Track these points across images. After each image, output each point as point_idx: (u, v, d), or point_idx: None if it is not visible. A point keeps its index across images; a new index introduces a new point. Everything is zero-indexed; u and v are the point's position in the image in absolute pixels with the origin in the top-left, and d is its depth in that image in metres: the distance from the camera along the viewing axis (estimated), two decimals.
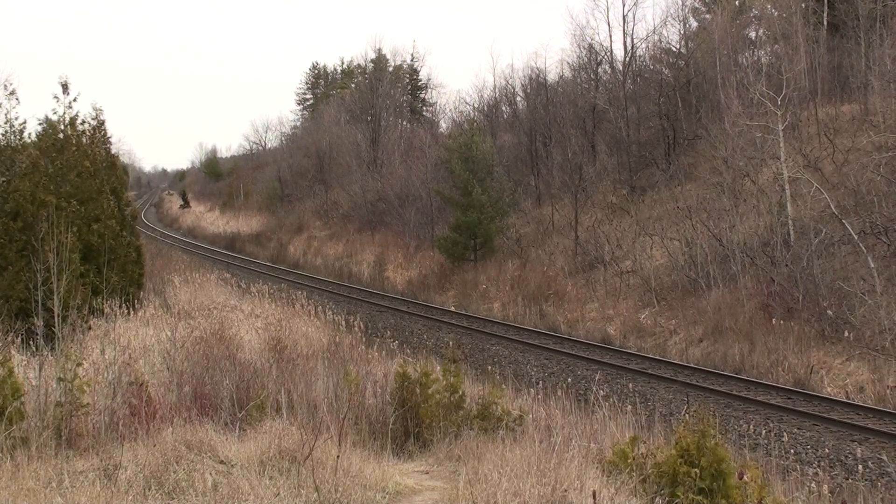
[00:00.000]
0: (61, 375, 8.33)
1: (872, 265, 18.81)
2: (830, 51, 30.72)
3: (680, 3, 43.12)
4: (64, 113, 17.31)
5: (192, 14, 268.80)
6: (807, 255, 20.03)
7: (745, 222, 23.79)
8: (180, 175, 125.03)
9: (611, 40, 67.99)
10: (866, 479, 11.33)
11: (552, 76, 43.75)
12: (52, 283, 9.02)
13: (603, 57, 39.33)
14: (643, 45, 37.53)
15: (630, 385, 16.53)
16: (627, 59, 36.96)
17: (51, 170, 16.27)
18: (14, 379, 8.15)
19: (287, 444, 7.52)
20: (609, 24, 68.15)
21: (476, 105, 49.76)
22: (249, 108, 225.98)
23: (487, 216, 30.06)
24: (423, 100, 62.27)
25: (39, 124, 18.30)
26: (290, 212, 53.87)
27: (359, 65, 72.77)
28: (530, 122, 39.44)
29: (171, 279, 22.99)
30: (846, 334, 17.07)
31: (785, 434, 13.18)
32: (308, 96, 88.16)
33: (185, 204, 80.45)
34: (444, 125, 54.79)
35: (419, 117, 58.29)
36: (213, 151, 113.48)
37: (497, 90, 49.01)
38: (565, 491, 6.54)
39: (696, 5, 38.79)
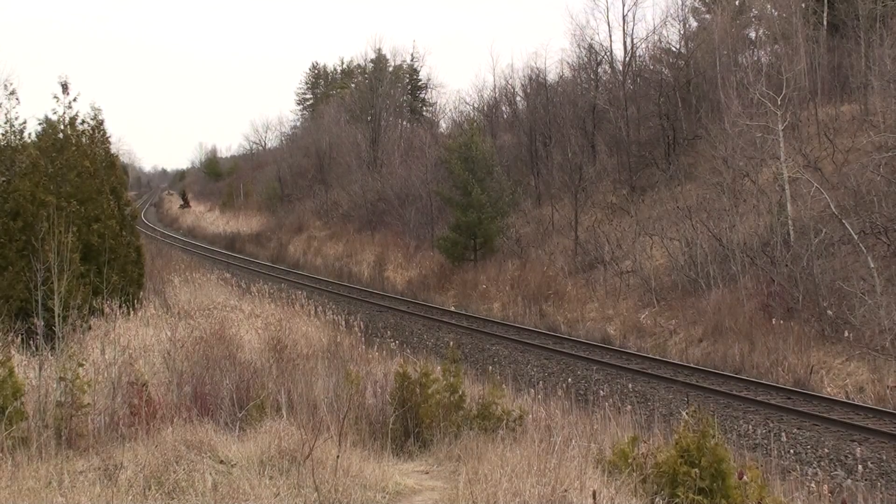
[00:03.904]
0: (62, 375, 8.33)
1: (872, 265, 18.81)
2: (830, 51, 30.72)
3: (680, 3, 43.14)
4: (64, 113, 17.28)
5: (193, 14, 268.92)
6: (807, 255, 20.03)
7: (745, 222, 23.79)
8: (180, 175, 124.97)
9: (611, 40, 68.09)
10: (866, 479, 11.33)
11: (552, 76, 43.83)
12: (52, 283, 9.02)
13: (603, 57, 39.37)
14: (643, 45, 37.60)
15: (630, 385, 16.54)
16: (627, 59, 37.01)
17: (51, 170, 16.25)
18: (14, 379, 8.16)
19: (287, 444, 7.52)
20: (609, 24, 68.27)
21: (476, 105, 49.82)
22: (249, 108, 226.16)
23: (487, 216, 30.06)
24: (423, 100, 62.27)
25: (39, 124, 18.28)
26: (290, 212, 53.86)
27: (359, 65, 72.84)
28: (530, 122, 39.43)
29: (171, 279, 22.99)
30: (846, 334, 17.07)
31: (785, 434, 13.19)
32: (308, 96, 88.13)
33: (185, 204, 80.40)
34: (444, 125, 54.88)
35: (419, 117, 58.28)
36: (213, 151, 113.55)
37: (497, 90, 49.09)
38: (565, 491, 6.54)
39: (696, 5, 38.80)
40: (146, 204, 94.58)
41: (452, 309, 25.86)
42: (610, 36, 70.53)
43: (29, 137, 17.04)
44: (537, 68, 44.88)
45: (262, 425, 8.36)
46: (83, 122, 17.78)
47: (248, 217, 58.70)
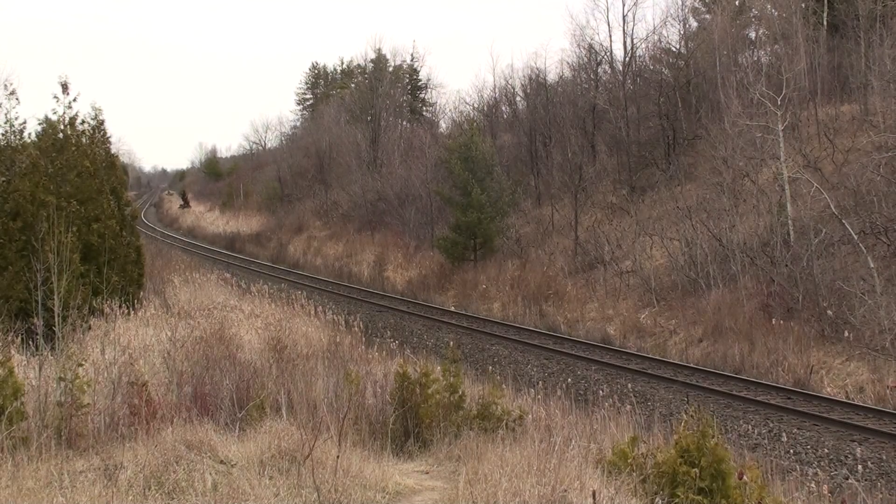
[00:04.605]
0: (61, 375, 8.33)
1: (872, 265, 18.81)
2: (830, 51, 30.72)
3: (680, 3, 43.18)
4: (64, 113, 17.28)
5: (192, 14, 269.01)
6: (807, 255, 20.03)
7: (745, 222, 23.79)
8: (180, 175, 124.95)
9: (611, 40, 68.03)
10: (866, 479, 11.33)
11: (552, 76, 43.82)
12: (52, 283, 9.01)
13: (603, 57, 39.37)
14: (643, 46, 37.60)
15: (630, 385, 16.54)
16: (627, 59, 37.01)
17: (51, 170, 16.25)
18: (14, 379, 8.15)
19: (287, 444, 7.52)
20: (609, 24, 68.27)
21: (476, 105, 49.82)
22: (249, 108, 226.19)
23: (487, 216, 30.06)
24: (423, 100, 62.24)
25: (39, 124, 18.26)
26: (290, 212, 53.85)
27: (359, 65, 72.81)
28: (530, 122, 39.44)
29: (171, 279, 22.99)
30: (846, 334, 17.07)
31: (785, 434, 13.19)
32: (308, 96, 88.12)
33: (185, 204, 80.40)
34: (444, 125, 54.85)
35: (419, 117, 58.26)
36: (213, 151, 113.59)
37: (497, 90, 49.08)
38: (565, 491, 6.54)
39: (696, 5, 38.82)
40: (146, 204, 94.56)
41: (452, 309, 25.86)
42: (610, 36, 70.54)
43: (29, 137, 17.05)
44: (537, 68, 44.89)
45: (261, 425, 8.36)
46: (83, 122, 17.79)
47: (248, 217, 58.70)
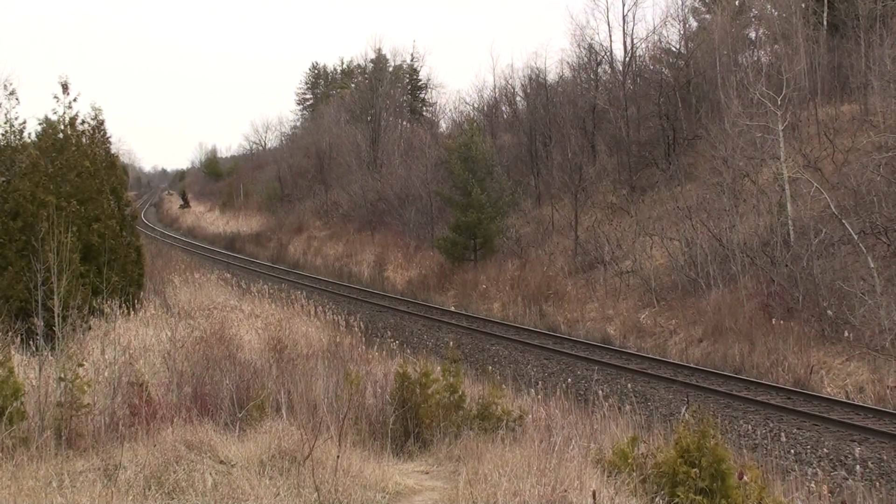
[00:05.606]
0: (61, 375, 8.33)
1: (872, 265, 18.81)
2: (830, 51, 30.72)
3: (680, 3, 43.22)
4: (64, 113, 17.30)
5: (192, 14, 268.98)
6: (807, 255, 20.03)
7: (745, 222, 23.80)
8: (180, 175, 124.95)
9: (611, 40, 68.25)
10: (866, 479, 11.33)
11: (552, 76, 43.82)
12: (52, 283, 9.01)
13: (603, 57, 39.37)
14: (643, 45, 37.60)
15: (630, 385, 16.54)
16: (627, 59, 37.00)
17: (51, 170, 16.26)
18: (14, 379, 8.15)
19: (287, 444, 7.52)
20: (609, 24, 68.38)
21: (476, 105, 49.85)
22: (249, 108, 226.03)
23: (487, 216, 30.07)
24: (423, 100, 62.24)
25: (39, 124, 18.27)
26: (290, 212, 53.86)
27: (359, 65, 72.84)
28: (530, 122, 39.43)
29: (171, 279, 22.99)
30: (846, 334, 17.07)
31: (784, 434, 13.19)
32: (308, 96, 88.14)
33: (185, 204, 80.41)
34: (444, 125, 54.91)
35: (419, 117, 58.26)
36: (213, 151, 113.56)
37: (497, 90, 49.11)
38: (565, 491, 6.54)
39: (696, 5, 38.81)
40: (146, 204, 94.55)
41: (452, 309, 25.86)
42: (610, 36, 70.74)
43: (29, 137, 17.05)
44: (537, 68, 44.90)
45: (262, 425, 8.36)
46: (83, 122, 17.80)
47: (248, 217, 58.69)
